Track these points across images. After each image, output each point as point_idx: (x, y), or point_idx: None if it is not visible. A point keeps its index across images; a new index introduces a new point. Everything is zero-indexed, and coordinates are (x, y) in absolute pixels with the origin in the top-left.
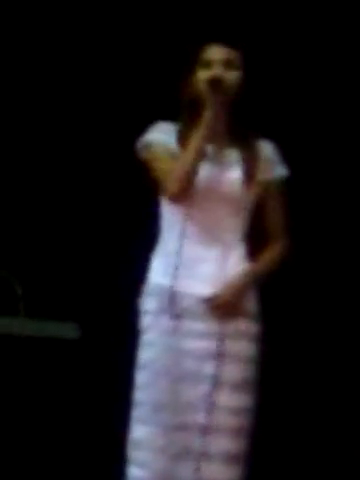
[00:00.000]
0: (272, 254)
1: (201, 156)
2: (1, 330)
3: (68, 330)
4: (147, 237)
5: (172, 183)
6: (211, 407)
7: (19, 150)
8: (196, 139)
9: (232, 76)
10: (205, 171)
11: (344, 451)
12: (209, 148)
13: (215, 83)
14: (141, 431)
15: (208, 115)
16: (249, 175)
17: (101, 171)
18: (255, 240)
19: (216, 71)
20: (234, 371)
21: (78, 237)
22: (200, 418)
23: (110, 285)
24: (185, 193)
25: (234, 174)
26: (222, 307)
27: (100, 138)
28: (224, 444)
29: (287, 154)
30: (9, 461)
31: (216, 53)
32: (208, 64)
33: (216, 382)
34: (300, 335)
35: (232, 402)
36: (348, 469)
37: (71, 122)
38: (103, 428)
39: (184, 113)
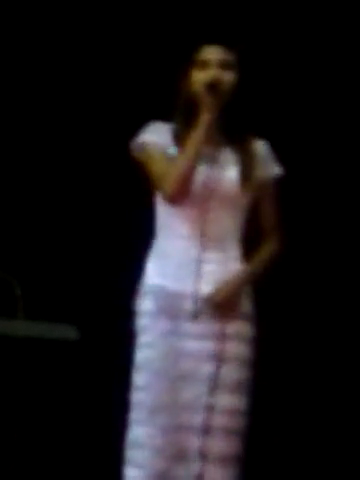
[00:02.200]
0: (266, 253)
1: (198, 158)
2: (0, 332)
3: (67, 332)
4: (146, 239)
5: (170, 185)
6: (209, 408)
7: (18, 153)
8: (193, 141)
9: (228, 77)
10: (202, 172)
11: (340, 451)
12: (205, 149)
13: (213, 86)
14: (139, 432)
15: (205, 118)
16: (245, 175)
17: (99, 174)
18: (249, 239)
19: (214, 73)
20: (231, 372)
21: (77, 239)
22: (198, 419)
23: (109, 287)
24: (182, 194)
25: (231, 174)
26: (218, 307)
27: (97, 144)
28: (221, 446)
29: (279, 153)
30: (9, 463)
31: (212, 53)
32: (204, 65)
33: (214, 383)
34: (294, 337)
35: (229, 403)
36: (344, 468)
37: (67, 126)
38: (101, 429)
39: (179, 114)
